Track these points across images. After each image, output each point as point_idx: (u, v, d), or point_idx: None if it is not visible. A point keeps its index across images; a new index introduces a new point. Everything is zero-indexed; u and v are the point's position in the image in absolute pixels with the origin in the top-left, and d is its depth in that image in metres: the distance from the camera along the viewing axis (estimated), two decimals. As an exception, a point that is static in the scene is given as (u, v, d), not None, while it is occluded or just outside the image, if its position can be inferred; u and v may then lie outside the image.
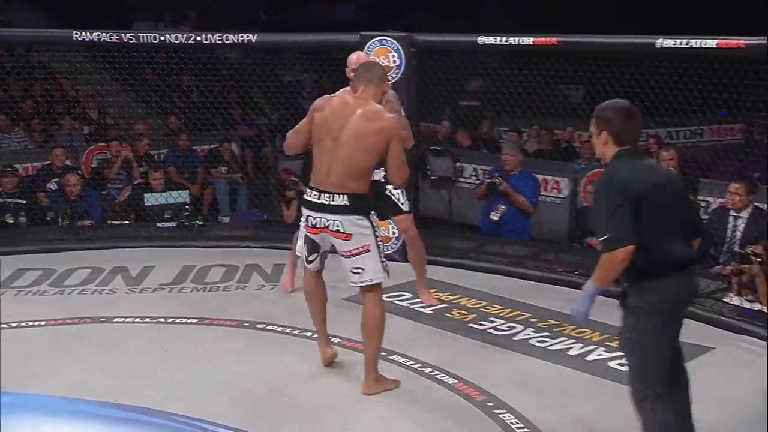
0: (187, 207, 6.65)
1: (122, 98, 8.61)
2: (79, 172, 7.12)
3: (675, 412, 2.90)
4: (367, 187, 3.62)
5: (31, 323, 4.42)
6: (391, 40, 5.52)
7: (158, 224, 6.46)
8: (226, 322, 4.50)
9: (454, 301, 4.90)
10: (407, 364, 3.97)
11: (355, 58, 4.46)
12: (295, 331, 4.36)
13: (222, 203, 7.64)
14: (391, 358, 4.01)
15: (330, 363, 3.89)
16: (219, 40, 5.76)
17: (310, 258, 3.73)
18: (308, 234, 3.66)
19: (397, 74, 5.54)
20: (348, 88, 4.47)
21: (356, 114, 3.55)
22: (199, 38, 5.77)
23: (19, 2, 11.55)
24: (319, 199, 3.56)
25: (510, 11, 11.09)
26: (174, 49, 6.04)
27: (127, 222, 6.63)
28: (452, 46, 5.72)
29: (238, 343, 4.21)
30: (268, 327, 4.43)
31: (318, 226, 3.60)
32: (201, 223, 6.53)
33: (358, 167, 3.54)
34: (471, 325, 4.53)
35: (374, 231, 3.60)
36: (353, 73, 4.31)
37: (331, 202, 3.54)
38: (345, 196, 3.52)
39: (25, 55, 8.90)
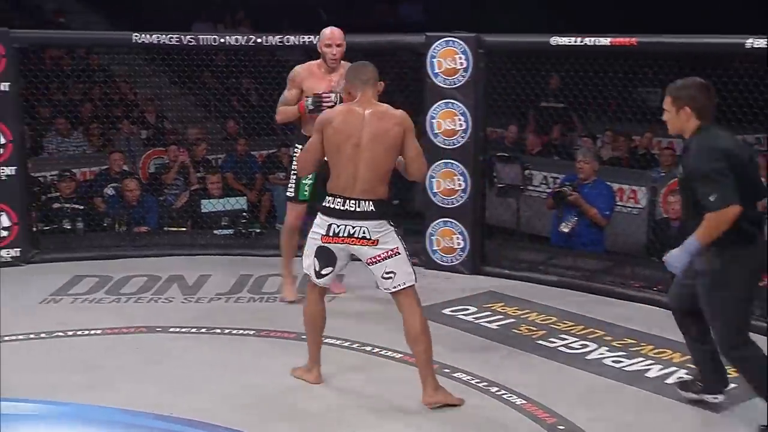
0: (244, 214, 6.74)
1: (180, 102, 8.78)
2: (136, 177, 7.29)
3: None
4: (387, 193, 3.70)
5: (87, 332, 4.53)
6: (458, 41, 5.50)
7: (215, 231, 6.57)
8: (283, 334, 4.53)
9: (522, 317, 4.84)
10: (472, 382, 3.93)
11: (329, 32, 4.70)
12: (354, 345, 4.37)
13: (280, 210, 7.70)
14: (455, 375, 3.99)
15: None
16: (280, 41, 5.84)
17: (324, 272, 3.71)
18: (324, 245, 3.66)
19: (463, 77, 5.52)
20: (319, 61, 4.75)
21: (367, 117, 3.63)
22: (259, 40, 5.85)
23: (79, 4, 11.94)
24: (343, 206, 3.61)
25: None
26: (234, 51, 6.14)
27: (183, 229, 6.75)
28: (523, 47, 5.66)
29: (295, 357, 4.22)
30: (327, 340, 4.39)
31: (341, 234, 3.62)
32: (258, 230, 6.61)
33: (384, 169, 3.65)
34: (540, 342, 4.46)
35: (398, 234, 3.68)
36: (325, 48, 4.67)
37: (357, 209, 3.60)
38: (371, 202, 3.61)
39: (85, 58, 9.17)
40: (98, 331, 4.54)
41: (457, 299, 5.11)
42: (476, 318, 4.82)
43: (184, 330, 4.58)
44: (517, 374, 4.03)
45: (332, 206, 3.63)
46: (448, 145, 5.63)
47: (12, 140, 5.72)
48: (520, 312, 4.92)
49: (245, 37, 5.99)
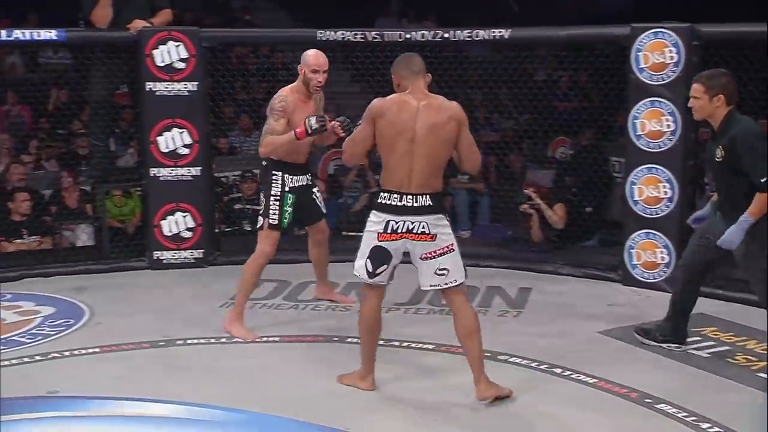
0: (425, 219, 6.73)
1: (361, 100, 8.93)
2: (318, 178, 7.49)
3: None
4: (442, 185, 3.81)
5: (265, 338, 4.68)
6: (669, 32, 5.24)
7: (394, 237, 6.61)
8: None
9: (738, 344, 4.54)
10: (679, 415, 3.70)
11: (315, 58, 4.59)
12: (543, 366, 4.25)
13: (461, 216, 7.66)
14: (659, 407, 3.78)
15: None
16: (468, 36, 5.81)
17: (378, 270, 3.81)
18: (381, 244, 3.76)
19: (673, 73, 5.24)
20: (297, 85, 4.63)
21: (421, 109, 3.72)
22: (446, 35, 5.85)
23: (265, 2, 12.49)
24: (401, 201, 3.71)
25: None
26: (418, 46, 6.16)
27: (361, 233, 6.82)
28: (747, 37, 5.26)
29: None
30: (512, 359, 4.35)
31: (399, 230, 3.73)
32: (439, 237, 6.58)
33: (439, 162, 3.75)
34: (761, 374, 4.14)
35: (452, 230, 3.80)
36: (311, 74, 4.56)
37: (415, 204, 3.71)
38: (427, 196, 3.73)
39: (269, 56, 9.56)
40: (276, 339, 4.68)
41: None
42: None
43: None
44: (733, 410, 3.74)
45: (389, 203, 3.73)
46: (653, 149, 5.37)
47: (198, 140, 6.05)
48: (735, 339, 4.61)
49: (432, 32, 6.02)
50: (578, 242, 6.58)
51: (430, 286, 3.84)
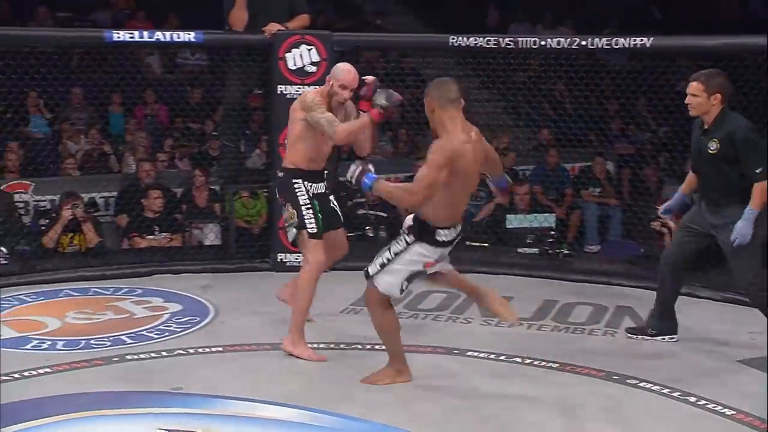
0: (552, 232, 6.62)
1: (489, 108, 8.85)
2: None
3: None
4: None
5: (378, 347, 4.68)
6: (828, 44, 4.93)
7: (519, 250, 6.53)
8: (590, 371, 4.36)
9: None
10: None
11: (347, 73, 4.38)
12: (675, 393, 4.09)
13: (590, 230, 7.49)
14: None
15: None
16: (607, 45, 5.66)
17: (409, 288, 4.12)
18: (425, 270, 3.96)
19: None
20: (324, 87, 4.48)
21: (474, 145, 3.84)
22: (584, 42, 5.71)
23: (396, 5, 12.59)
24: (456, 233, 3.95)
25: None
26: (553, 54, 6.05)
27: (485, 244, 6.78)
28: None
29: (604, 399, 4.04)
30: (641, 383, 4.20)
31: (445, 255, 4.02)
32: (566, 252, 6.46)
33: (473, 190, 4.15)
34: None
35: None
36: (340, 88, 4.37)
37: (459, 229, 3.98)
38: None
39: (398, 61, 9.62)
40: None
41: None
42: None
43: (482, 355, 4.57)
44: None
45: (447, 239, 3.91)
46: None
47: (327, 144, 6.12)
48: None
49: (568, 40, 5.88)
50: (717, 264, 6.28)
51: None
